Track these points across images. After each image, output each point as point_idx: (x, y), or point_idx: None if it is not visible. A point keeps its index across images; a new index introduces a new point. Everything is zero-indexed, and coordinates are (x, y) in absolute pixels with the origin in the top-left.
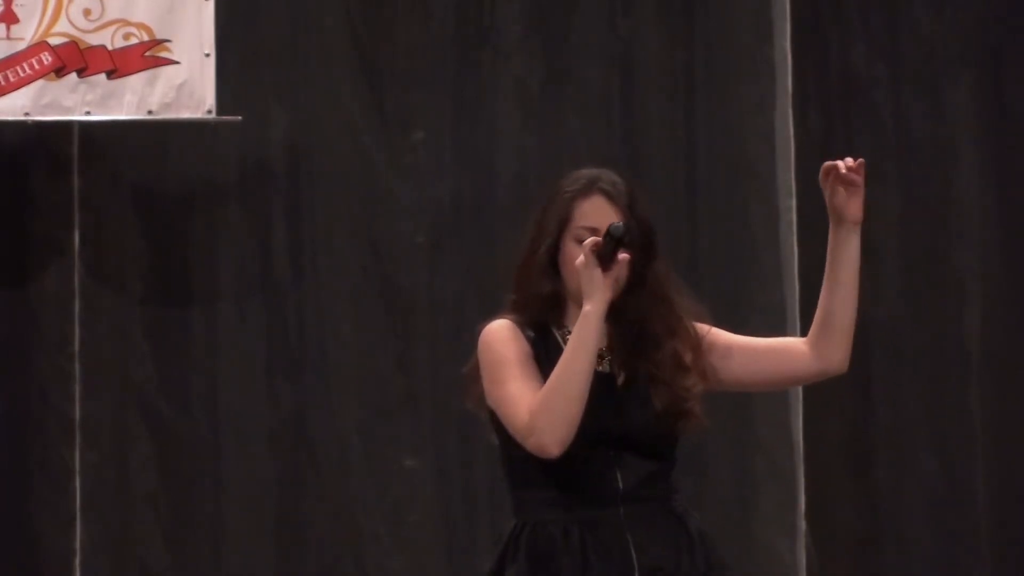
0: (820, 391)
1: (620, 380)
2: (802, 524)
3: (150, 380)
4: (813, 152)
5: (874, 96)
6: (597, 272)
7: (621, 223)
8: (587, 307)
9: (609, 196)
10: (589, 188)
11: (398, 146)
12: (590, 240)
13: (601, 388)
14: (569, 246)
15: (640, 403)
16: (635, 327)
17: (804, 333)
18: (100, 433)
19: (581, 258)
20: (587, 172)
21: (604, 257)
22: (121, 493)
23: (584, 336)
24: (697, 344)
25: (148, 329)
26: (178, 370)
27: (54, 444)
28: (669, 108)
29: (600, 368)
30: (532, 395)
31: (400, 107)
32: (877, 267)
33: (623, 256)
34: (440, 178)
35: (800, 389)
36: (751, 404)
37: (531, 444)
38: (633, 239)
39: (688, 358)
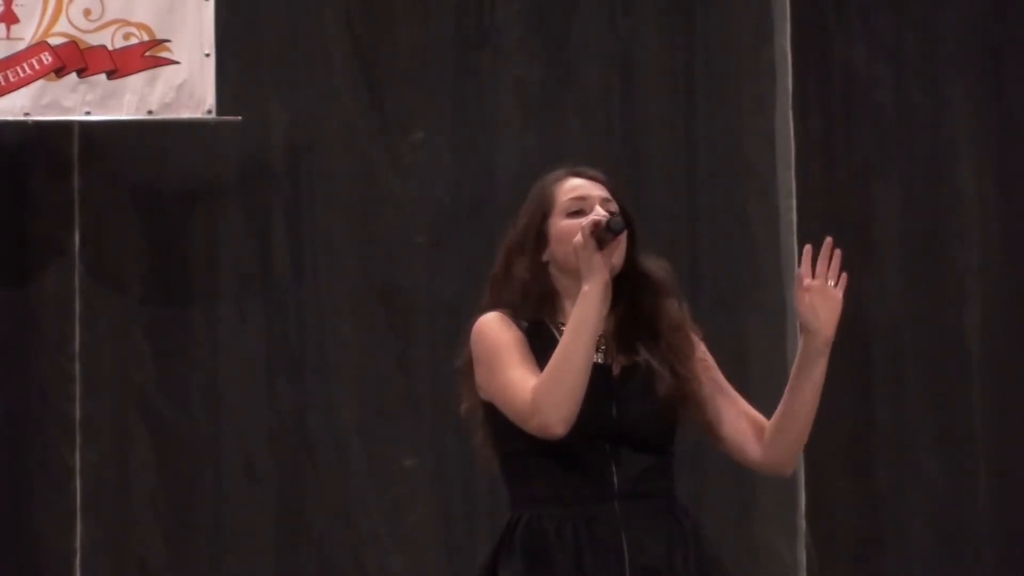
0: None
1: (616, 371)
2: (802, 524)
3: (150, 380)
4: (813, 152)
5: (874, 96)
6: (596, 255)
7: (621, 218)
8: (586, 288)
9: (585, 175)
10: (564, 174)
11: (398, 146)
12: (588, 221)
13: (597, 380)
14: (559, 225)
15: (639, 393)
16: (629, 310)
17: None
18: (100, 433)
19: (578, 237)
20: (561, 168)
21: (601, 240)
22: (121, 493)
23: (584, 314)
24: (688, 328)
25: (148, 329)
26: (178, 370)
27: (54, 444)
28: (669, 108)
29: (595, 359)
30: (532, 378)
31: (400, 107)
32: (877, 267)
33: (619, 240)
34: (440, 178)
35: None
36: (751, 404)
37: (534, 425)
38: (629, 228)
39: (686, 343)
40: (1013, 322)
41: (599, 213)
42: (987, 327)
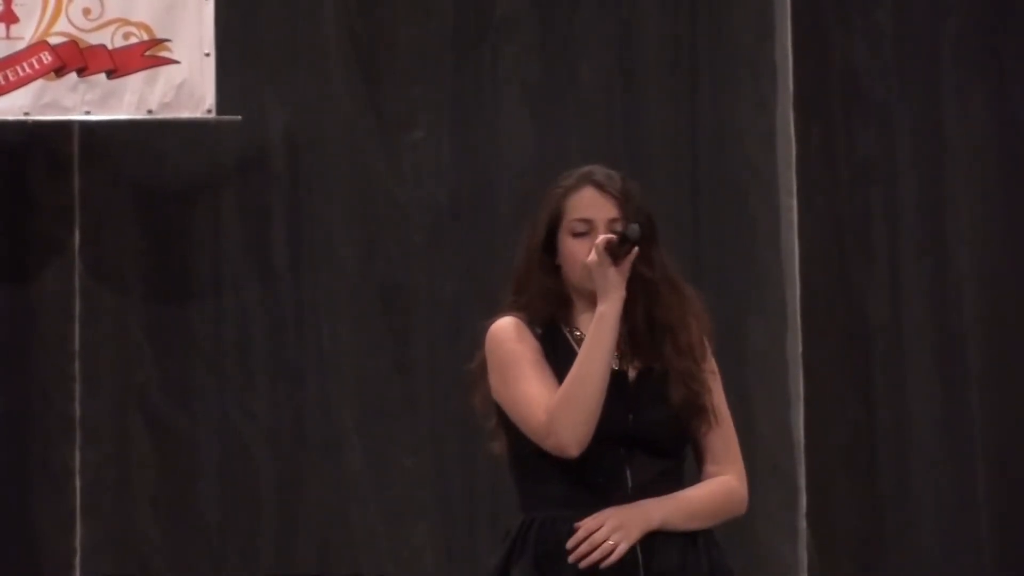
0: (821, 391)
1: (632, 376)
2: (803, 525)
3: (150, 380)
4: (814, 152)
5: (875, 95)
6: (611, 270)
7: (637, 225)
8: (602, 307)
9: (600, 187)
10: (580, 182)
11: (397, 145)
12: (602, 238)
13: (613, 385)
14: (566, 241)
15: (654, 399)
16: (646, 315)
17: (805, 333)
18: (100, 433)
19: (593, 255)
20: (580, 168)
21: (616, 255)
22: (121, 493)
23: (601, 335)
24: (703, 342)
25: (148, 329)
26: (178, 370)
27: (54, 444)
28: (670, 108)
29: (611, 365)
30: (547, 394)
31: (399, 106)
32: (877, 267)
33: (634, 252)
34: (439, 177)
35: (801, 388)
36: (751, 404)
37: (549, 445)
38: (644, 235)
39: (698, 351)
40: (1013, 322)
41: (605, 235)
42: (987, 327)
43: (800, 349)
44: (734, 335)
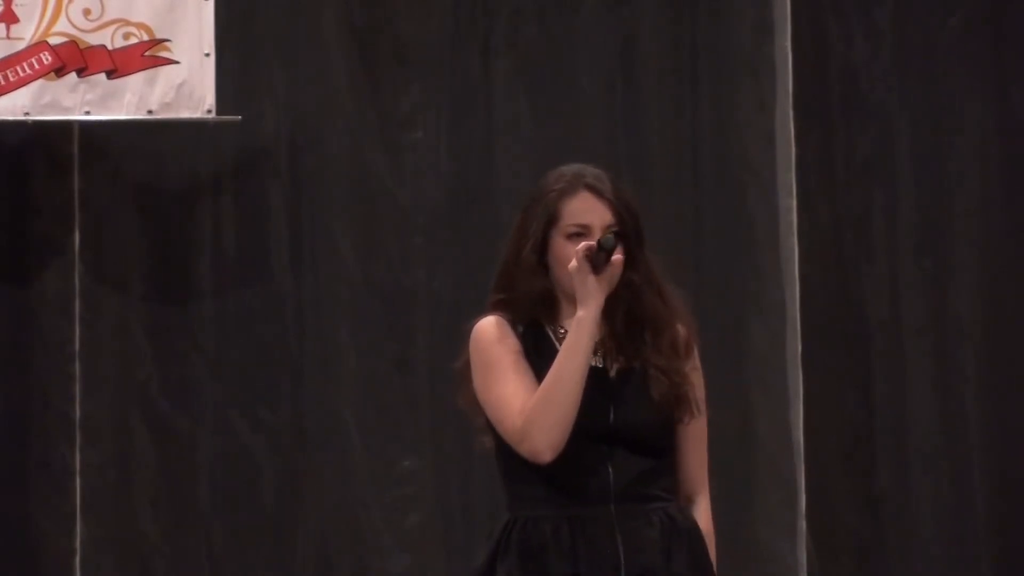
0: (821, 391)
1: (612, 373)
2: (802, 525)
3: (150, 380)
4: (814, 152)
5: (874, 95)
6: (591, 278)
7: (612, 235)
8: (581, 313)
9: (595, 191)
10: (575, 184)
11: (397, 145)
12: (583, 245)
13: (593, 383)
14: (559, 243)
15: (634, 395)
16: (627, 315)
17: (805, 333)
18: (100, 433)
19: (573, 262)
20: (570, 169)
21: (595, 263)
22: (121, 493)
23: (578, 342)
24: (689, 340)
25: (148, 329)
26: (178, 370)
27: (54, 444)
28: (669, 108)
29: (592, 362)
30: (524, 396)
31: (399, 106)
32: (877, 267)
33: (616, 258)
34: (439, 177)
35: (800, 388)
36: (751, 404)
37: (524, 449)
38: (625, 241)
39: (681, 345)
40: (1014, 322)
41: (585, 243)
42: (988, 327)
43: (800, 349)
44: (734, 335)
